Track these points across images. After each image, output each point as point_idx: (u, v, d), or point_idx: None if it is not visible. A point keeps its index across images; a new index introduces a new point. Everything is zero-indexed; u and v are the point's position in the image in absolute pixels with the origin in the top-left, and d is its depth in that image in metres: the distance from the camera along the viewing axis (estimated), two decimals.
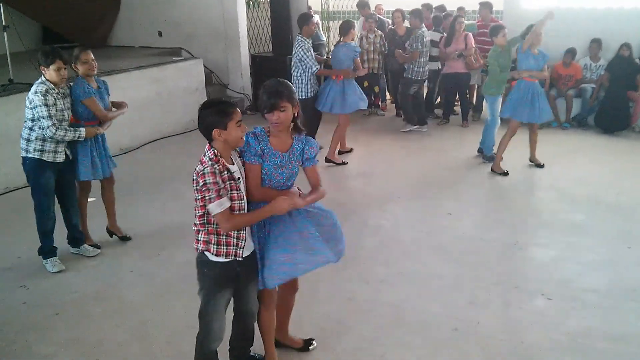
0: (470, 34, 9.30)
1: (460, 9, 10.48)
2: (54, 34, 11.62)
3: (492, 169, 7.31)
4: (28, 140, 4.77)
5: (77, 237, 5.27)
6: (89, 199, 5.44)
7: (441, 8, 10.56)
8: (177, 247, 5.33)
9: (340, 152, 7.99)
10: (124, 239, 5.54)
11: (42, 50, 4.84)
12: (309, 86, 7.50)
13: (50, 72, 4.70)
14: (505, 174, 7.21)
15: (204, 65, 10.23)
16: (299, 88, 7.44)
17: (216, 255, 3.10)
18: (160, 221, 5.97)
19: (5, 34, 7.29)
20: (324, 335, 4.02)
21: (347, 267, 4.98)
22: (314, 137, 7.58)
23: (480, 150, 7.92)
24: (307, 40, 7.48)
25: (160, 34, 11.60)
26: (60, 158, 4.88)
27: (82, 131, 4.88)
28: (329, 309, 4.35)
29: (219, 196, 2.93)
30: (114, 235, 5.56)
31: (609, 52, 9.28)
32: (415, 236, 5.60)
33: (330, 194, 6.73)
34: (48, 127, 4.65)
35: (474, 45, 9.22)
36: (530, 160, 7.55)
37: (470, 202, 6.49)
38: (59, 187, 5.02)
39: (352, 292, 4.58)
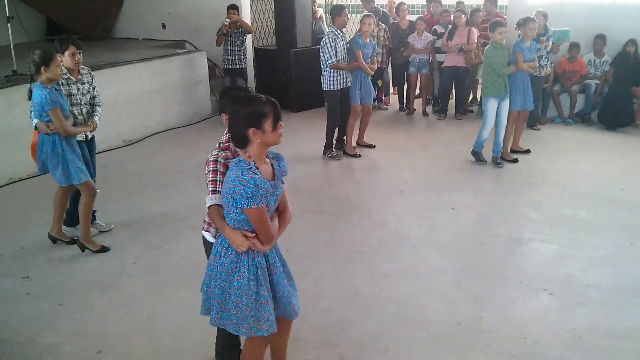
0: (474, 29, 9.28)
1: (459, 3, 10.45)
2: (58, 26, 11.60)
3: (501, 157, 7.42)
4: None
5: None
6: None
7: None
8: (181, 239, 5.34)
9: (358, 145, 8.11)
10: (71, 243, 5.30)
11: (57, 38, 5.06)
12: (331, 78, 7.48)
13: (65, 58, 4.92)
14: (515, 160, 7.42)
15: (208, 58, 10.22)
16: (322, 79, 7.59)
17: (215, 237, 3.17)
18: (164, 213, 5.97)
19: (9, 25, 7.29)
20: (327, 330, 4.03)
21: (351, 261, 5.00)
22: (333, 131, 7.72)
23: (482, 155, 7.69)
24: (339, 31, 7.49)
25: (164, 26, 11.58)
26: (82, 137, 5.17)
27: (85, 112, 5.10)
28: (333, 303, 4.35)
29: (214, 190, 2.95)
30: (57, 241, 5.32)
31: (614, 48, 9.23)
32: (419, 231, 5.60)
33: (334, 188, 6.85)
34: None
35: (476, 41, 9.21)
36: (512, 150, 7.72)
37: (474, 197, 6.48)
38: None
39: (356, 287, 4.58)
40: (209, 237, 3.26)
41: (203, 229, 3.30)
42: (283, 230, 3.02)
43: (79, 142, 5.11)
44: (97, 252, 5.15)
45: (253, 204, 2.71)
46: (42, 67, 4.66)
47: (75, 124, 5.01)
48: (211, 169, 2.99)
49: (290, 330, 3.39)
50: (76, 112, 5.10)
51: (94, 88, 5.28)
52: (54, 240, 5.27)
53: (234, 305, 2.88)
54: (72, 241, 5.25)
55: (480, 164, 7.45)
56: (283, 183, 3.00)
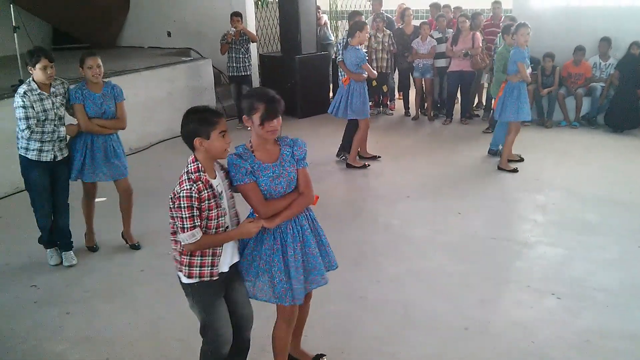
0: (478, 33, 9.29)
1: (457, 8, 10.50)
2: (64, 35, 11.70)
3: (499, 167, 7.32)
4: (17, 138, 4.83)
5: (62, 242, 5.19)
6: (98, 199, 5.46)
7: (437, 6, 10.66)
8: None
9: (361, 157, 7.84)
10: (133, 247, 5.46)
11: (28, 51, 4.87)
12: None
13: (36, 72, 4.71)
14: (515, 170, 7.24)
15: (213, 66, 10.27)
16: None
17: (188, 277, 2.98)
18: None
19: (15, 34, 7.33)
20: (334, 335, 4.02)
21: (357, 265, 5.00)
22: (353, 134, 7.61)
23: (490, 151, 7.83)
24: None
25: (169, 34, 11.67)
26: (47, 157, 4.83)
27: (62, 130, 4.84)
28: (339, 307, 4.35)
29: (193, 226, 2.82)
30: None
31: (619, 50, 9.22)
32: (425, 235, 5.60)
33: (340, 192, 6.85)
34: (22, 129, 4.70)
35: (480, 45, 9.21)
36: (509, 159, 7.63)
37: (480, 201, 6.47)
38: (52, 187, 5.02)
39: (362, 291, 4.58)
40: (183, 278, 3.04)
41: (178, 270, 3.06)
42: (294, 211, 3.13)
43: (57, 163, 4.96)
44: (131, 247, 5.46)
45: (236, 181, 3.02)
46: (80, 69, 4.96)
47: (56, 140, 4.84)
48: (186, 205, 2.79)
49: (309, 301, 3.55)
50: (49, 129, 4.76)
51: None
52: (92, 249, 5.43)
53: (268, 276, 3.12)
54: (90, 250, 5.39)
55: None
56: (301, 167, 3.20)
